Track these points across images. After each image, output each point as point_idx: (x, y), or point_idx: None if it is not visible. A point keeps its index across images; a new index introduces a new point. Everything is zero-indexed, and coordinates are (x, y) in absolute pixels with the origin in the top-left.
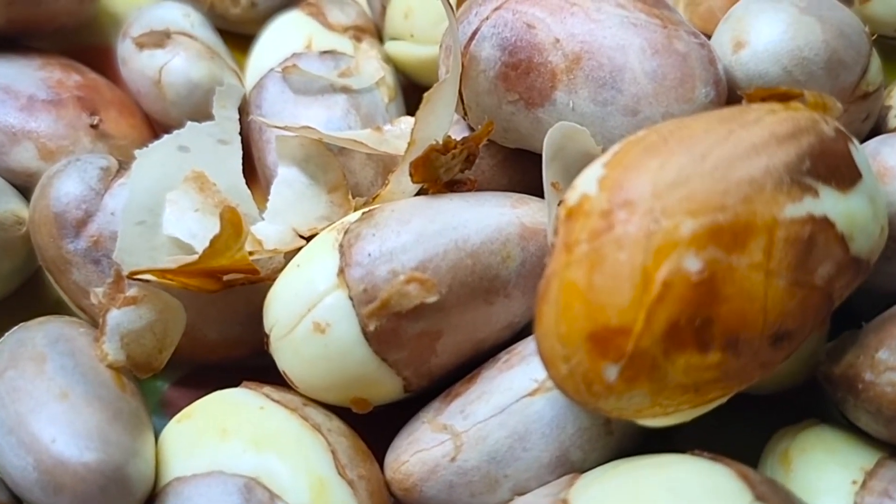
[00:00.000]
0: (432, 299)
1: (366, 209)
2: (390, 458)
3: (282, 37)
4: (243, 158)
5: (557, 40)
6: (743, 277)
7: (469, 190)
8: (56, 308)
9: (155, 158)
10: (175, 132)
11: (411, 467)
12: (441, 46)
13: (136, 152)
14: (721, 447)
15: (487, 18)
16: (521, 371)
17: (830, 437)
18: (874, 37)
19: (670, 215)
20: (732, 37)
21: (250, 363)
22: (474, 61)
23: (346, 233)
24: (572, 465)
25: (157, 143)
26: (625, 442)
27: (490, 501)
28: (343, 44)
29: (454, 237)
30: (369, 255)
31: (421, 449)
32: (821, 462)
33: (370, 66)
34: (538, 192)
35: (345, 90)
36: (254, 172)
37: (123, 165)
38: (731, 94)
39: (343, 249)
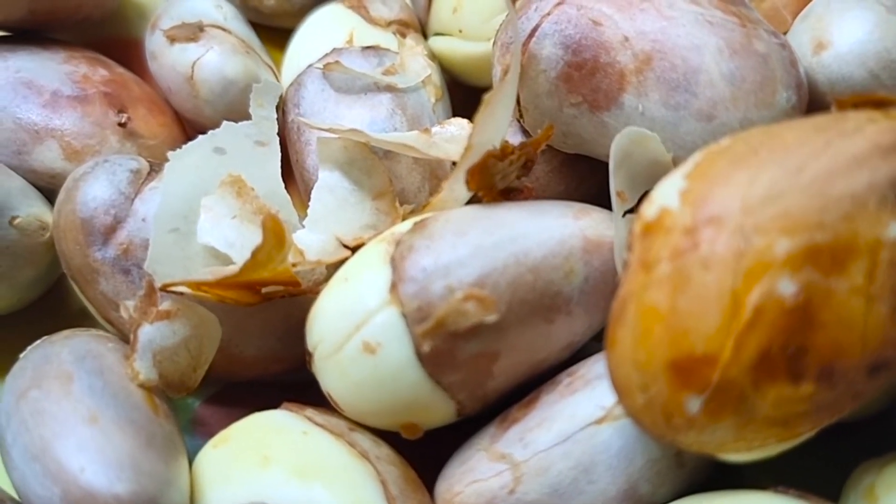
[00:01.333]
0: (491, 318)
1: (417, 218)
2: (442, 487)
3: (321, 31)
4: (280, 161)
5: (626, 38)
6: (841, 302)
7: (525, 198)
8: (81, 319)
9: (189, 161)
10: (210, 132)
11: (466, 499)
12: (495, 44)
13: (170, 154)
14: (796, 479)
15: (549, 14)
16: (585, 397)
17: None
18: None
19: (763, 233)
20: (813, 37)
21: (287, 379)
22: (534, 60)
23: (397, 244)
24: (640, 500)
25: (191, 144)
26: (696, 475)
27: None
28: (386, 39)
29: (514, 250)
30: (424, 269)
31: (477, 479)
32: None
33: (416, 64)
34: (596, 201)
35: (389, 89)
36: (291, 176)
37: (155, 168)
38: (811, 98)
39: (395, 263)
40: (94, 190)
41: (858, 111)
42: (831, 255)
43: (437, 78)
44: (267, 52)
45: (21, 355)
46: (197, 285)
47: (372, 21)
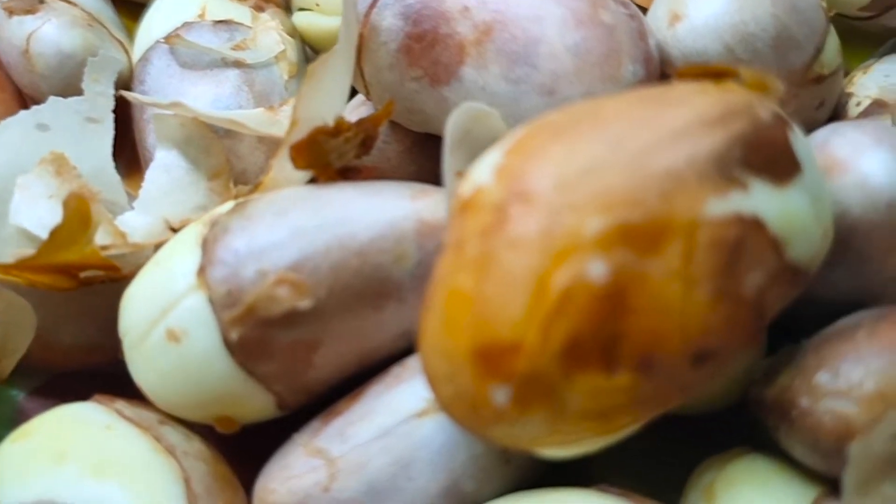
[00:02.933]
0: (306, 304)
1: (241, 199)
2: (259, 485)
3: (174, 5)
4: (126, 141)
5: (467, 8)
6: (657, 286)
7: (366, 178)
8: None
9: (6, 137)
10: (34, 108)
11: (280, 497)
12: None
13: None
14: (643, 477)
15: None
16: (410, 388)
17: (762, 470)
18: (832, 15)
19: (574, 211)
20: (669, 9)
21: (118, 370)
22: (375, 32)
23: (213, 226)
24: (464, 498)
25: (10, 119)
26: (526, 472)
27: None
28: (241, 13)
29: (338, 233)
30: (236, 251)
31: (292, 476)
32: (749, 499)
33: (269, 39)
34: None
35: (238, 65)
36: (137, 157)
37: None
38: (666, 73)
39: (207, 245)
40: None
41: (693, 84)
42: (647, 234)
43: (293, 54)
44: (122, 27)
45: None
46: (3, 269)
47: None
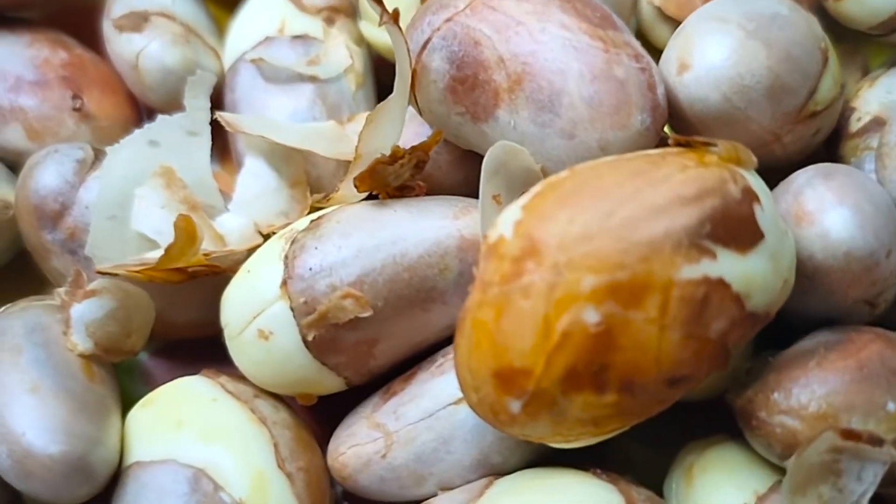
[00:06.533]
0: (366, 314)
1: (315, 216)
2: (332, 446)
3: (256, 18)
4: (221, 141)
5: (502, 59)
6: (638, 330)
7: (418, 195)
8: (44, 281)
9: (125, 154)
10: (146, 126)
11: (347, 459)
12: None
13: (107, 149)
14: (645, 448)
15: (439, 29)
16: (450, 379)
17: (732, 457)
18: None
19: (573, 270)
20: (679, 56)
21: (218, 340)
22: (426, 70)
23: (292, 243)
24: (493, 467)
25: (127, 138)
26: (543, 449)
27: (417, 494)
28: (315, 26)
29: (392, 252)
30: (310, 269)
31: (357, 443)
32: (719, 482)
33: (338, 54)
34: None
35: (312, 80)
36: (230, 155)
37: (99, 156)
38: (673, 115)
39: (287, 261)
40: (45, 179)
41: (677, 157)
42: (630, 291)
43: (359, 65)
44: (215, 31)
45: None
46: (128, 270)
47: (303, 8)
